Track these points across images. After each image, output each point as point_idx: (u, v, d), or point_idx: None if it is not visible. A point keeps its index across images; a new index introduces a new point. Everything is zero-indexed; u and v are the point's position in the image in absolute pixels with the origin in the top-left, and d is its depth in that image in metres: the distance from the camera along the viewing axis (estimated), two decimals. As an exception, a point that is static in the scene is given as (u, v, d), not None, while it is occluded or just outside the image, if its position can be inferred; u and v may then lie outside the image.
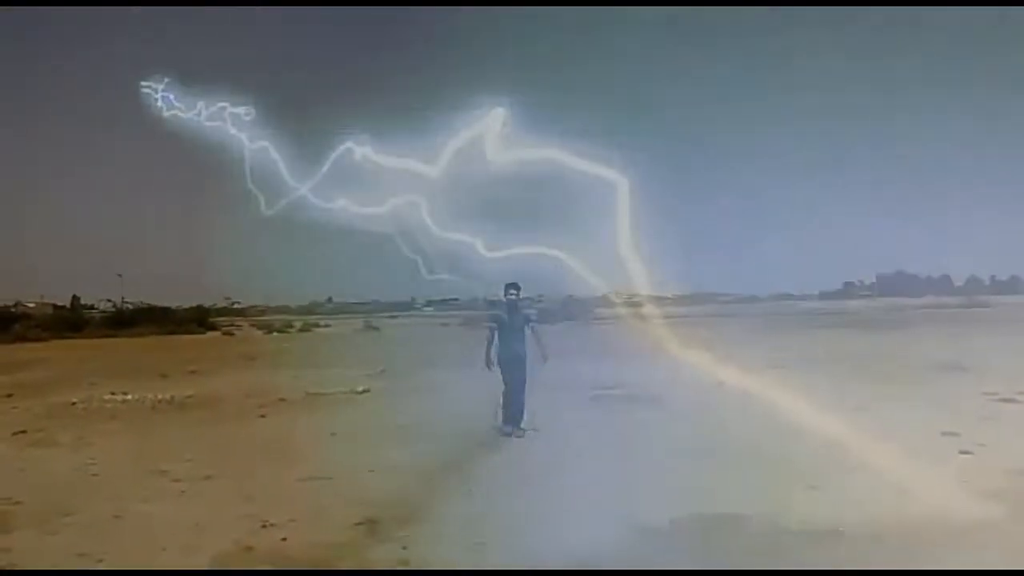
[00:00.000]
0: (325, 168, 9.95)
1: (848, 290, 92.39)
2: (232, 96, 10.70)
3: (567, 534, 4.44)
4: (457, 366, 14.33)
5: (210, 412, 9.96)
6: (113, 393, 11.70)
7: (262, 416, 9.53)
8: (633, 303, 8.32)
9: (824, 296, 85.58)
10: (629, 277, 7.61)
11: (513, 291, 7.69)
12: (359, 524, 4.77)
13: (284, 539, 4.50)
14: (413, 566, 4.03)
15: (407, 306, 73.69)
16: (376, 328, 40.15)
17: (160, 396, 11.24)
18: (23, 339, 31.28)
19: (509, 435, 7.35)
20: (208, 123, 10.60)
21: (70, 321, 39.43)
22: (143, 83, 10.83)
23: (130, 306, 47.74)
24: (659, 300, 8.29)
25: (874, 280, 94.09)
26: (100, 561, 4.23)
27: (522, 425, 7.57)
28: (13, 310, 44.13)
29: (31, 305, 52.10)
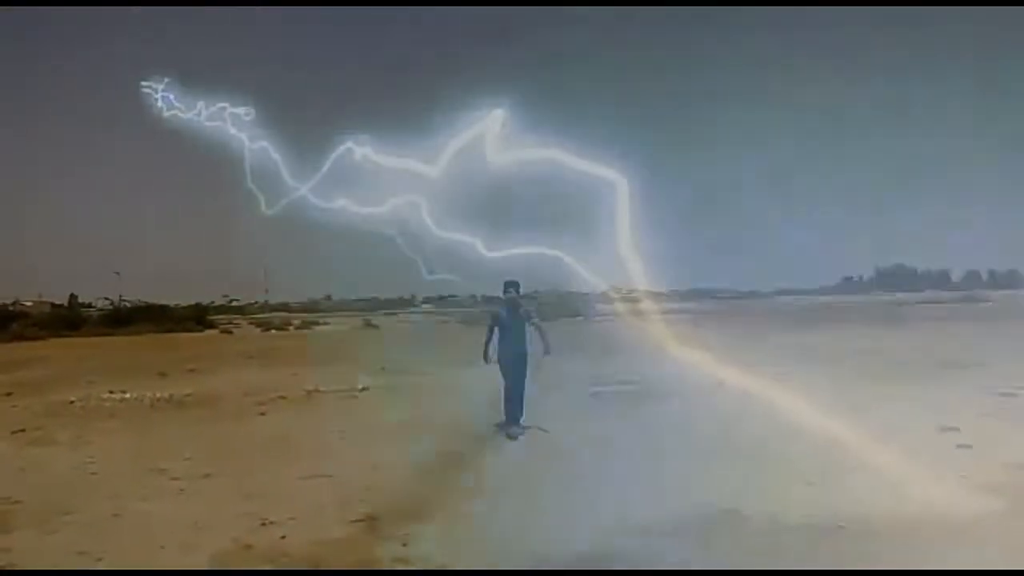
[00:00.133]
0: (325, 168, 9.95)
1: (847, 285, 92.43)
2: (232, 96, 10.70)
3: (567, 532, 4.44)
4: (457, 363, 14.34)
5: (209, 410, 9.95)
6: (111, 391, 11.69)
7: (261, 414, 9.53)
8: (632, 300, 8.32)
9: (823, 291, 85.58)
10: (628, 275, 7.62)
11: (512, 289, 7.67)
12: (359, 522, 4.77)
13: (283, 537, 4.50)
14: (413, 564, 4.03)
15: (406, 304, 73.63)
16: (375, 326, 40.17)
17: (159, 394, 11.23)
18: (21, 338, 31.21)
19: (511, 436, 7.33)
20: (208, 123, 10.59)
21: (68, 319, 39.33)
22: (143, 83, 10.82)
23: (128, 304, 47.64)
24: (658, 297, 8.29)
25: (872, 275, 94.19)
26: (99, 560, 4.22)
27: (522, 423, 7.56)
28: (11, 309, 44.01)
29: (29, 304, 51.98)
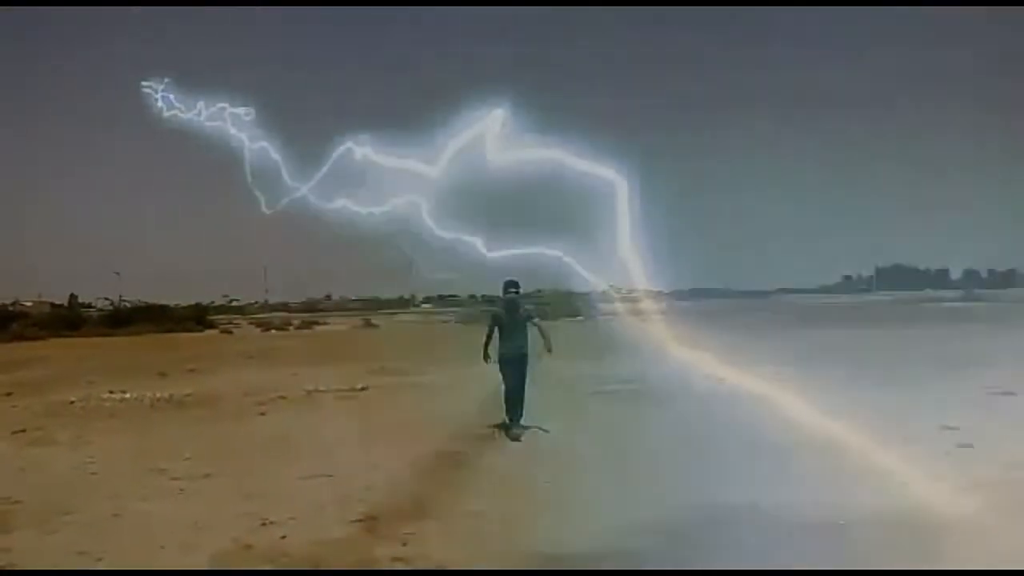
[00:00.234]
0: (325, 168, 9.92)
1: (846, 284, 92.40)
2: (232, 96, 10.67)
3: (568, 532, 4.44)
4: (456, 363, 14.33)
5: (209, 410, 9.95)
6: (112, 391, 11.69)
7: (261, 414, 9.53)
8: (632, 299, 8.30)
9: (823, 290, 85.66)
10: (629, 274, 7.60)
11: (513, 289, 7.63)
12: (359, 521, 4.76)
13: (284, 537, 4.50)
14: (413, 564, 4.02)
15: (406, 303, 73.63)
16: (375, 325, 40.19)
17: (159, 394, 11.22)
18: (21, 338, 31.22)
19: (513, 437, 7.29)
20: (208, 123, 10.56)
21: (68, 320, 39.34)
22: (143, 83, 10.79)
23: (128, 304, 47.61)
24: (658, 296, 8.27)
25: (872, 274, 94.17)
26: (99, 560, 4.22)
27: (523, 423, 7.52)
28: (11, 309, 43.98)
29: (29, 304, 51.95)
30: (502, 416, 7.72)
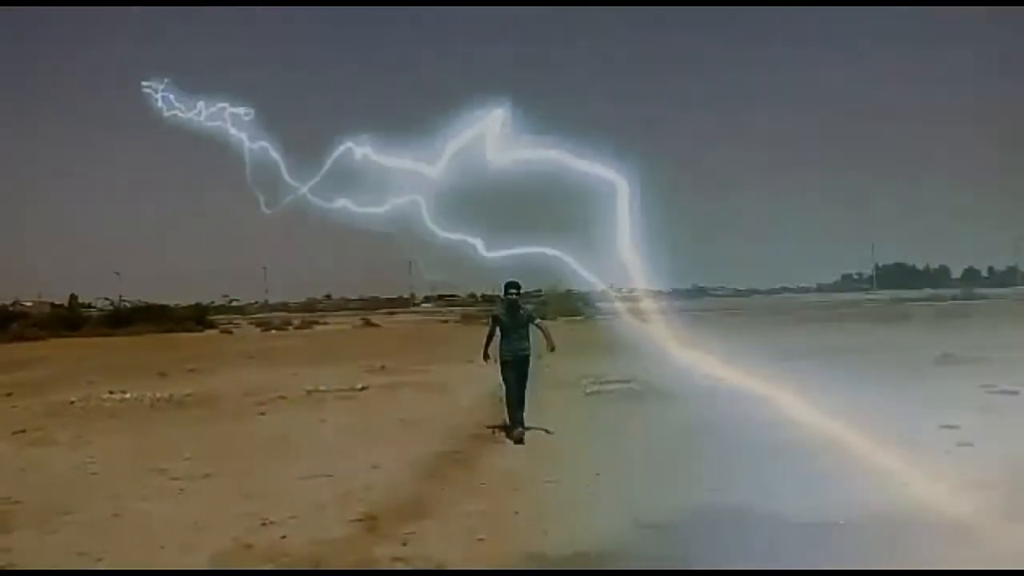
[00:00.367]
0: (325, 168, 9.92)
1: (846, 282, 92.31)
2: (232, 96, 10.67)
3: (568, 531, 4.44)
4: (456, 363, 14.33)
5: (209, 410, 9.95)
6: (112, 392, 11.68)
7: (261, 414, 9.53)
8: (632, 299, 8.31)
9: (822, 289, 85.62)
10: (628, 274, 7.60)
11: (513, 290, 7.55)
12: (359, 521, 4.76)
13: (284, 537, 4.50)
14: (413, 564, 4.02)
15: (406, 303, 73.66)
16: (375, 325, 40.18)
17: (159, 394, 11.22)
18: (21, 338, 31.20)
19: (516, 439, 7.24)
20: (208, 123, 10.56)
21: (68, 320, 39.31)
22: (143, 83, 10.79)
23: (128, 304, 47.62)
24: (657, 296, 8.27)
25: (872, 272, 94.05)
26: (99, 560, 4.22)
27: (525, 425, 7.47)
28: (11, 309, 43.97)
29: (29, 304, 51.98)
30: (501, 416, 7.71)
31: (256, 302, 77.06)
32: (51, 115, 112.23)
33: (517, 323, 7.51)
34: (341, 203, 9.82)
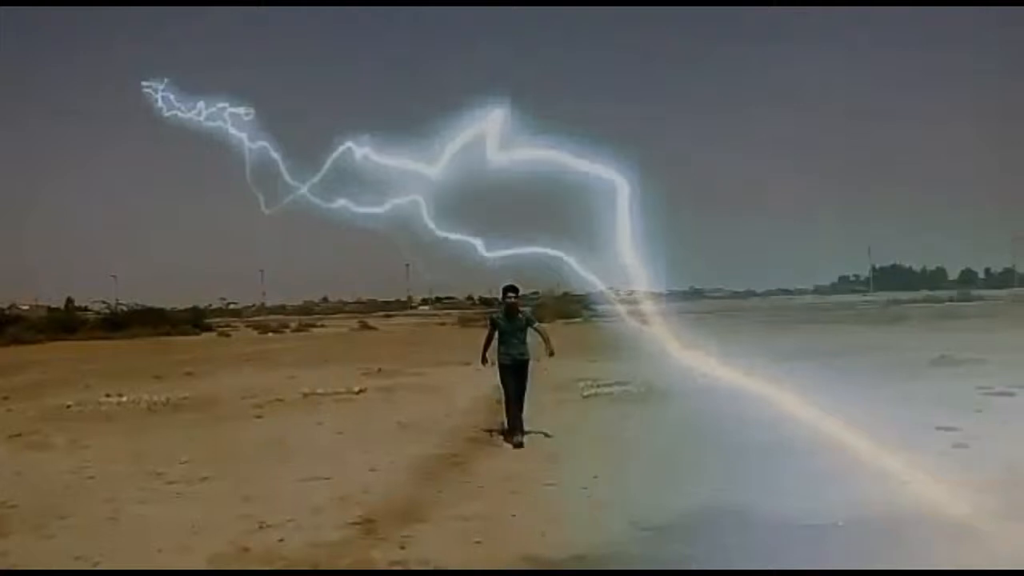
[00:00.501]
0: (325, 168, 9.90)
1: (843, 284, 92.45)
2: (232, 96, 10.65)
3: (566, 534, 4.44)
4: (454, 365, 14.34)
5: (206, 413, 9.92)
6: (108, 395, 11.64)
7: (258, 417, 9.51)
8: (630, 300, 8.30)
9: (819, 291, 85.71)
10: (628, 275, 7.59)
11: (512, 294, 7.48)
12: (356, 524, 4.75)
13: (281, 540, 4.49)
14: (411, 567, 4.02)
15: (404, 306, 73.63)
16: (373, 328, 40.13)
17: (155, 398, 11.19)
18: (17, 341, 31.05)
19: (515, 444, 7.17)
20: (208, 123, 10.53)
21: (64, 323, 39.16)
22: (143, 83, 10.75)
23: (124, 308, 47.52)
24: (657, 297, 8.27)
25: (869, 274, 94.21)
26: (96, 564, 4.20)
27: (524, 428, 7.42)
28: (7, 312, 43.84)
29: (25, 307, 51.87)
30: (499, 418, 7.70)
31: (253, 305, 77.00)
32: (50, 116, 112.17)
33: (516, 327, 7.47)
34: (341, 203, 9.81)
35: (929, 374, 11.24)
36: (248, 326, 45.24)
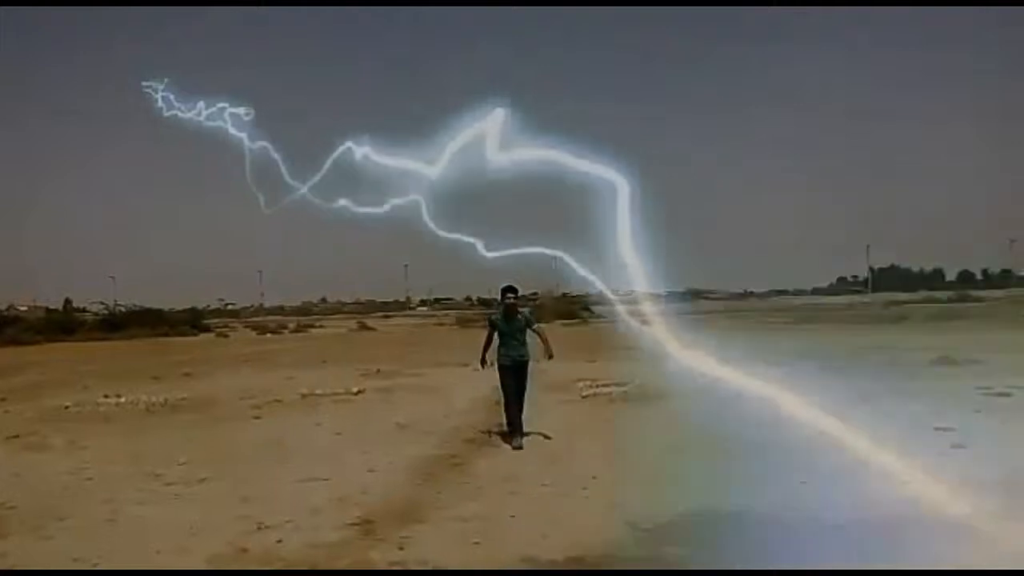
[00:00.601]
0: (325, 168, 9.88)
1: (841, 285, 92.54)
2: (232, 96, 10.63)
3: (565, 534, 4.43)
4: (452, 366, 14.33)
5: (204, 414, 9.91)
6: (106, 396, 11.63)
7: (257, 418, 9.50)
8: (629, 301, 8.30)
9: (817, 292, 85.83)
10: (628, 275, 7.58)
11: (511, 295, 7.45)
12: (355, 525, 4.75)
13: (279, 541, 4.48)
14: (410, 567, 4.01)
15: (402, 306, 73.63)
16: (371, 328, 40.12)
17: (154, 399, 11.17)
18: (16, 342, 31.02)
19: (515, 446, 7.12)
20: (208, 123, 10.51)
21: (63, 324, 39.10)
22: (143, 83, 10.74)
23: (123, 309, 47.43)
24: (656, 298, 8.27)
25: (867, 275, 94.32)
26: (95, 565, 4.20)
27: (524, 430, 7.41)
28: (5, 313, 43.80)
29: (23, 308, 51.78)
30: (498, 419, 7.70)
31: (251, 306, 76.99)
32: (50, 116, 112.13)
33: (515, 328, 7.45)
34: (341, 203, 9.80)
35: (928, 374, 11.25)
36: (246, 327, 45.24)
